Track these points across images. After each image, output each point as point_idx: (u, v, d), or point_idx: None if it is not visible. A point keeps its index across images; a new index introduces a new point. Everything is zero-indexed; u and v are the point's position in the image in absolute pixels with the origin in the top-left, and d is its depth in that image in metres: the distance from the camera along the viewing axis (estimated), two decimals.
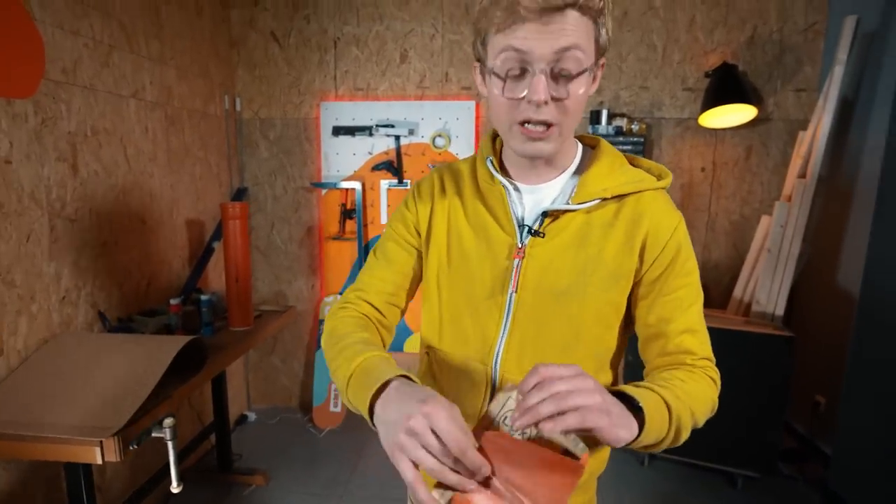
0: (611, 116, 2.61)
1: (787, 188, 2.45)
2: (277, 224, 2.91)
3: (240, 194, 2.79)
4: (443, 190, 0.83)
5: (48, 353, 1.56)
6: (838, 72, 2.26)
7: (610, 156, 0.76)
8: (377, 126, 2.74)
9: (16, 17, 1.48)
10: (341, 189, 2.81)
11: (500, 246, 0.76)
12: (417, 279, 0.87)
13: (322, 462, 2.49)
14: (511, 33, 0.62)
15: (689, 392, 0.66)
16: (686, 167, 2.69)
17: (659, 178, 0.76)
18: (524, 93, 0.63)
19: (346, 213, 2.84)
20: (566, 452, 0.57)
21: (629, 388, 0.61)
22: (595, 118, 2.60)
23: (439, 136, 2.73)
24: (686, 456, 2.34)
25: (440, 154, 2.74)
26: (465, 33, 2.66)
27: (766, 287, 2.40)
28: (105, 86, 1.83)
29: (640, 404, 0.59)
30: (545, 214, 0.74)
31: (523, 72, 0.63)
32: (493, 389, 0.76)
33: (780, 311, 2.37)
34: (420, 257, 0.85)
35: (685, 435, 0.66)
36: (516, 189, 0.77)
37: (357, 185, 2.77)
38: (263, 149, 2.84)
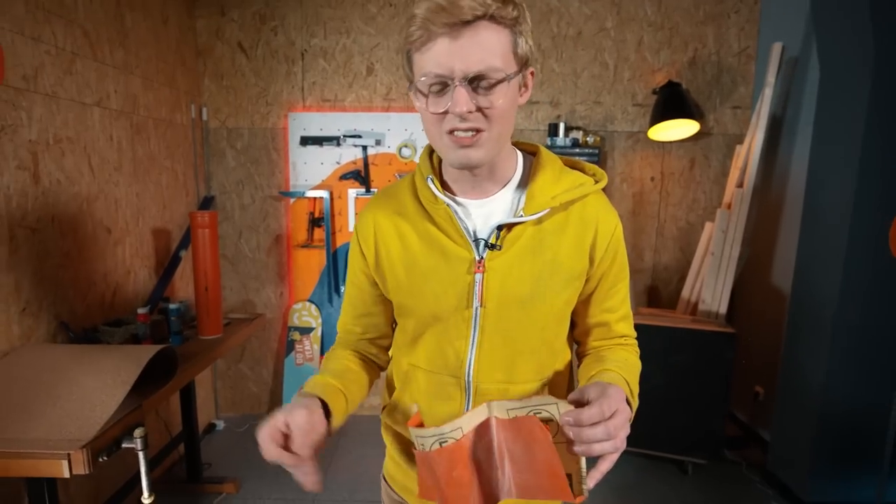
0: (567, 129, 2.70)
1: (727, 197, 2.59)
2: (245, 233, 2.84)
3: (206, 203, 2.72)
4: (385, 222, 0.80)
5: (8, 365, 1.47)
6: (768, 92, 2.43)
7: (551, 163, 0.76)
8: (345, 136, 2.74)
9: None
10: (309, 198, 2.78)
11: (458, 262, 0.74)
12: (391, 305, 0.86)
13: None
14: (428, 51, 0.62)
15: (633, 369, 0.77)
16: (637, 177, 2.80)
17: (595, 178, 0.78)
18: (447, 106, 0.63)
19: (315, 222, 2.81)
20: (569, 476, 0.62)
21: (626, 392, 0.67)
22: (553, 130, 2.68)
23: (405, 146, 2.75)
24: (640, 447, 2.42)
25: (406, 164, 2.76)
26: None
27: (711, 287, 2.53)
28: (68, 94, 1.75)
29: (631, 408, 0.67)
30: (499, 227, 0.73)
31: (444, 87, 0.63)
32: (469, 399, 0.77)
33: (723, 310, 2.50)
34: (378, 293, 0.86)
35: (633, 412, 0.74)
36: (461, 206, 0.76)
37: (325, 194, 2.75)
38: (231, 158, 2.78)
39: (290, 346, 2.85)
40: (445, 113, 0.64)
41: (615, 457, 0.59)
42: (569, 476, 0.61)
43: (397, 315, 0.84)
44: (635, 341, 0.85)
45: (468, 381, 0.76)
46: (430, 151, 0.80)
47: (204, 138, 2.71)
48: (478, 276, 0.73)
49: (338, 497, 2.21)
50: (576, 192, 0.74)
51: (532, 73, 0.70)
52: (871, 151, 1.92)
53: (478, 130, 0.64)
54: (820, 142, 2.14)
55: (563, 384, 0.84)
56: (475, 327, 0.75)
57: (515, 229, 0.73)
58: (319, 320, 2.86)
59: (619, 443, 0.58)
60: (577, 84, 2.75)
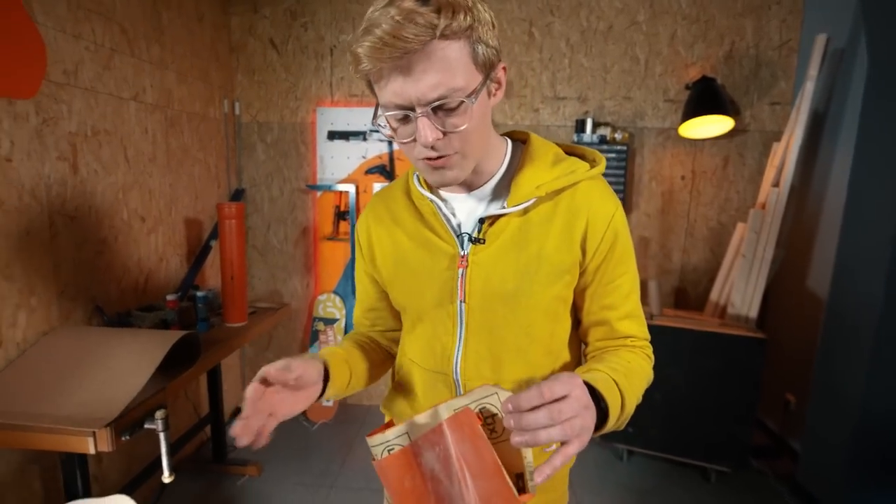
0: (595, 125, 2.63)
1: (762, 196, 2.47)
2: (274, 225, 2.90)
3: (237, 195, 2.79)
4: (378, 223, 0.80)
5: (46, 345, 1.55)
6: (809, 87, 2.29)
7: (541, 151, 0.73)
8: (371, 131, 2.74)
9: (17, 21, 1.47)
10: (336, 191, 2.81)
11: (442, 257, 0.73)
12: None
13: (314, 454, 2.48)
14: (384, 86, 0.59)
15: (636, 377, 0.69)
16: (667, 175, 2.71)
17: (593, 163, 0.73)
18: (414, 135, 0.61)
19: (340, 215, 2.84)
20: (519, 476, 0.56)
21: (601, 387, 0.60)
22: (580, 127, 2.62)
23: None
24: (662, 451, 2.35)
25: None
26: None
27: (741, 290, 2.42)
28: (106, 88, 1.82)
29: (607, 405, 0.60)
30: (482, 221, 0.71)
31: (406, 117, 0.61)
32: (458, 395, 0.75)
33: (753, 314, 2.39)
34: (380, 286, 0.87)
35: (629, 416, 0.67)
36: (444, 200, 0.75)
37: (351, 188, 2.77)
38: (261, 151, 2.84)
39: (314, 336, 2.90)
40: (413, 142, 0.62)
41: (571, 449, 0.50)
42: (519, 476, 0.55)
43: (398, 312, 0.86)
44: (646, 342, 0.76)
45: (456, 378, 0.75)
46: None
47: (236, 132, 2.78)
48: (460, 272, 0.71)
49: (354, 485, 2.24)
50: (564, 180, 0.69)
51: (504, 69, 0.66)
52: None
53: (448, 155, 0.63)
54: (865, 140, 2.00)
55: None
56: (461, 323, 0.73)
57: (500, 222, 0.70)
58: (343, 312, 2.89)
59: (569, 429, 0.49)
60: (607, 79, 2.67)
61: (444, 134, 0.61)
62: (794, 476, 2.29)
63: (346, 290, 2.90)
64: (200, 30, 2.42)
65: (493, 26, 0.61)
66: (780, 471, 2.40)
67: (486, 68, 0.62)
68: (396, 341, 0.92)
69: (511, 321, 0.71)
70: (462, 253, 0.72)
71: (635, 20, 2.60)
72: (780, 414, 2.61)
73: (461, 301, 0.72)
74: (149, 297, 2.09)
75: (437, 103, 0.58)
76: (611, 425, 0.62)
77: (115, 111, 1.87)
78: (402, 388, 0.84)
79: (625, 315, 0.74)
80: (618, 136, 2.61)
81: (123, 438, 1.32)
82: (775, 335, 2.55)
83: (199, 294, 1.97)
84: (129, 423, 1.34)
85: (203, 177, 2.49)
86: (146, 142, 2.05)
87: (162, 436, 1.40)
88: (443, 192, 0.75)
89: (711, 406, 2.23)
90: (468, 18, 0.57)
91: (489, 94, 0.64)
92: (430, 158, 0.63)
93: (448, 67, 0.57)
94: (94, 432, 1.26)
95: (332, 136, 2.77)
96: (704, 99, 2.46)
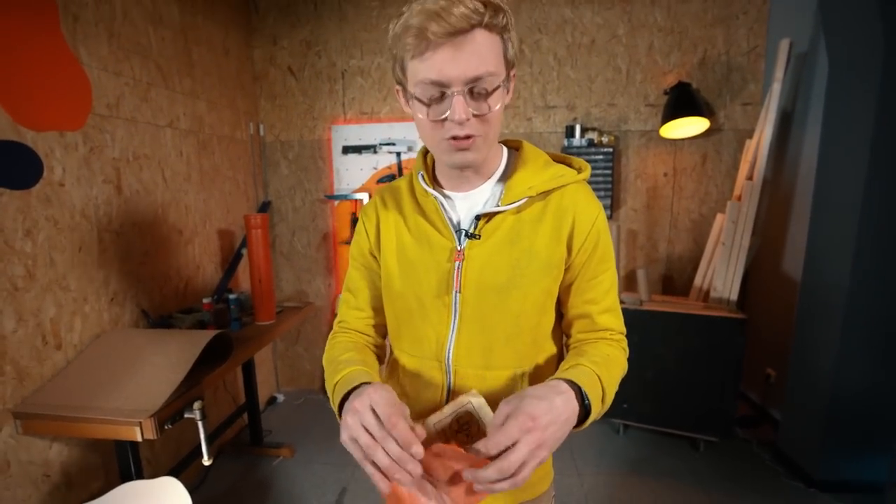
0: (583, 130, 2.61)
1: (738, 189, 2.43)
2: (297, 232, 2.93)
3: (264, 207, 2.82)
4: (385, 209, 0.79)
5: (99, 346, 1.59)
6: (776, 88, 2.25)
7: (532, 156, 0.73)
8: (381, 144, 2.76)
9: (65, 62, 1.51)
10: (351, 200, 2.83)
11: (440, 251, 0.72)
12: None
13: (339, 437, 2.50)
14: (425, 60, 0.58)
15: (614, 367, 0.69)
16: (651, 173, 2.68)
17: (579, 171, 0.73)
18: (446, 114, 0.60)
19: (356, 221, 2.85)
20: None
21: (585, 387, 0.61)
22: (570, 132, 2.60)
23: None
24: (655, 424, 2.34)
25: None
26: None
27: (722, 276, 2.39)
28: (144, 118, 1.86)
29: (590, 404, 0.61)
30: (478, 217, 0.71)
31: (442, 95, 0.60)
32: (450, 383, 0.73)
33: (734, 297, 2.35)
34: (378, 276, 0.82)
35: (607, 407, 0.67)
36: (447, 197, 0.74)
37: (365, 197, 2.79)
38: (284, 167, 2.87)
39: None
40: (444, 120, 0.61)
41: (526, 472, 0.53)
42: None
43: (386, 302, 0.80)
44: (622, 336, 0.76)
45: (448, 365, 0.73)
46: (425, 152, 0.79)
47: (261, 151, 2.81)
48: (457, 264, 0.71)
49: None
50: (554, 182, 0.70)
51: (514, 77, 0.66)
52: (880, 143, 1.75)
53: (474, 136, 0.62)
54: (829, 134, 1.97)
55: (544, 378, 0.78)
56: (455, 313, 0.72)
57: (495, 219, 0.70)
58: None
59: (520, 480, 0.53)
60: (592, 88, 2.65)
61: (475, 116, 0.61)
62: (775, 443, 2.26)
63: None
64: (227, 62, 2.46)
65: (514, 26, 0.63)
66: (762, 438, 2.37)
67: (510, 67, 0.64)
68: (384, 337, 0.88)
69: (502, 311, 0.71)
70: (459, 247, 0.71)
71: (615, 34, 2.58)
72: (761, 386, 2.58)
73: (456, 291, 0.71)
74: (188, 301, 2.13)
75: (474, 84, 0.59)
76: (592, 419, 0.63)
77: (153, 137, 1.91)
78: (391, 381, 0.82)
79: (604, 309, 0.74)
80: (604, 139, 2.60)
81: (167, 427, 1.35)
82: (754, 315, 2.52)
83: (232, 297, 2.00)
84: (170, 413, 1.36)
85: (233, 192, 2.53)
86: (181, 163, 2.09)
87: (200, 424, 1.43)
88: (446, 190, 0.74)
89: (698, 382, 2.21)
90: (505, 19, 0.59)
91: (507, 91, 0.65)
92: (455, 138, 0.62)
93: (487, 54, 0.58)
94: (140, 422, 1.29)
95: (346, 150, 2.79)
96: (681, 102, 2.43)
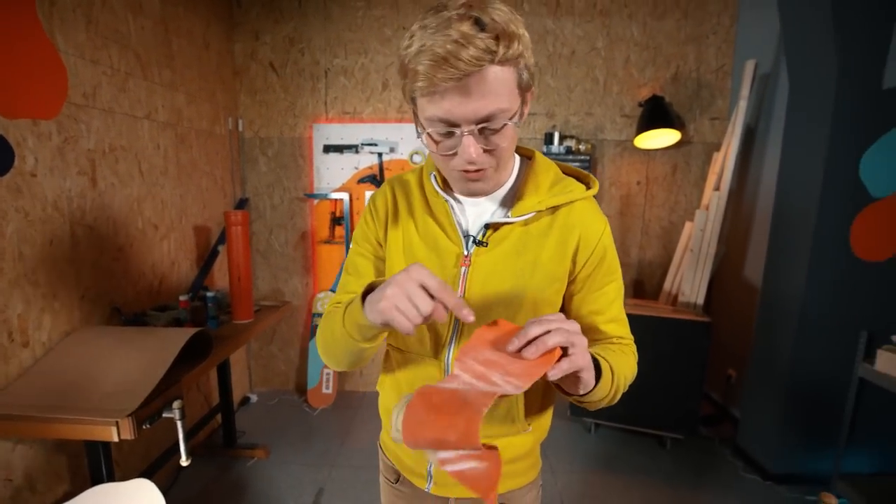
0: (562, 138, 2.69)
1: (706, 199, 2.56)
2: (275, 230, 2.89)
3: (241, 204, 2.77)
4: (395, 204, 0.77)
5: (70, 344, 1.53)
6: (742, 105, 2.39)
7: (544, 168, 0.72)
8: (363, 144, 2.76)
9: (41, 48, 1.45)
10: (331, 199, 2.81)
11: (448, 255, 0.72)
12: None
13: (316, 437, 2.48)
14: (433, 102, 0.57)
15: (624, 363, 0.70)
16: (625, 181, 2.78)
17: (587, 186, 0.74)
18: (455, 150, 0.60)
19: (336, 221, 2.84)
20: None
21: (592, 351, 0.61)
22: (548, 139, 2.67)
23: (416, 153, 2.77)
24: (625, 423, 2.42)
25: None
26: None
27: (690, 281, 2.51)
28: (122, 108, 1.80)
29: (600, 364, 0.62)
30: (487, 226, 0.71)
31: (451, 133, 0.59)
32: None
33: (700, 301, 2.48)
34: (384, 264, 0.80)
35: (619, 396, 0.68)
36: (458, 202, 0.73)
37: (345, 196, 2.78)
38: (262, 164, 2.82)
39: (314, 331, 2.89)
40: (453, 155, 0.61)
41: (577, 359, 0.53)
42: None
43: None
44: (631, 342, 0.76)
45: (447, 364, 0.74)
46: None
47: (240, 147, 2.76)
48: (463, 270, 0.71)
49: (355, 463, 2.25)
50: (563, 198, 0.70)
51: (532, 92, 0.64)
52: (834, 159, 1.89)
53: (484, 168, 0.62)
54: (789, 149, 2.11)
55: (540, 384, 0.74)
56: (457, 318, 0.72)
57: (503, 229, 0.71)
58: None
59: (565, 334, 0.52)
60: (571, 97, 2.73)
61: (485, 151, 0.60)
62: (734, 439, 2.39)
63: None
64: (207, 55, 2.40)
65: (530, 45, 0.59)
66: (723, 435, 2.50)
67: (524, 91, 0.61)
68: None
69: (504, 318, 0.69)
70: (466, 253, 0.71)
71: (595, 46, 2.67)
72: (722, 387, 2.72)
73: (461, 296, 0.71)
74: (163, 298, 2.06)
75: (485, 120, 0.57)
76: (604, 386, 0.62)
77: (130, 129, 1.85)
78: (391, 371, 0.82)
79: (610, 319, 0.74)
80: (582, 147, 2.68)
81: (144, 427, 1.31)
82: (717, 319, 2.65)
83: (210, 294, 1.96)
84: (149, 412, 1.33)
85: (210, 188, 2.47)
86: (158, 157, 2.03)
87: (179, 424, 1.40)
88: (456, 194, 0.73)
89: (666, 382, 2.30)
90: (519, 46, 0.56)
91: (521, 115, 0.63)
92: (467, 171, 0.63)
93: (498, 91, 0.56)
94: (117, 422, 1.25)
95: (328, 149, 2.77)
96: (655, 115, 2.54)
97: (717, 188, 2.49)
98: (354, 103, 2.76)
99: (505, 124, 0.59)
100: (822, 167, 1.90)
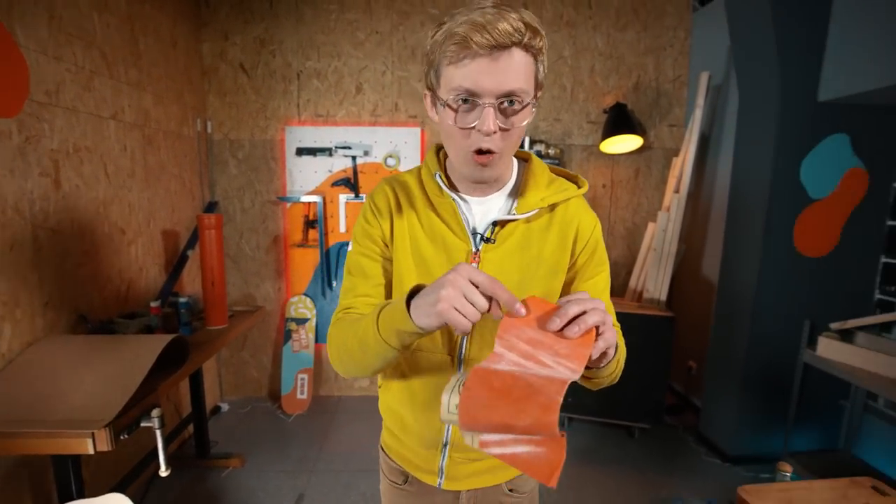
0: (532, 142, 2.77)
1: (666, 201, 2.71)
2: (246, 234, 2.81)
3: (210, 207, 2.68)
4: (398, 203, 0.78)
5: (34, 354, 1.44)
6: (698, 113, 2.55)
7: (540, 170, 0.77)
8: (336, 148, 2.74)
9: (0, 43, 1.37)
10: (304, 202, 2.77)
11: (457, 252, 0.74)
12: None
13: (293, 443, 2.43)
14: (462, 67, 0.60)
15: (620, 342, 0.74)
16: (591, 184, 2.90)
17: (578, 185, 0.78)
18: (475, 123, 0.62)
19: (309, 224, 2.80)
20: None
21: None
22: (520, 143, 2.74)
23: (390, 156, 2.78)
24: (596, 416, 2.52)
25: (391, 172, 2.78)
26: (411, 71, 2.73)
27: (653, 278, 2.64)
28: (87, 108, 1.72)
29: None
30: (494, 223, 0.73)
31: (473, 104, 0.62)
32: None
33: (663, 297, 2.61)
34: (390, 264, 0.80)
35: (619, 373, 0.72)
36: (465, 201, 0.75)
37: (318, 199, 2.75)
38: (233, 167, 2.75)
39: (287, 336, 2.84)
40: (471, 129, 0.62)
41: (609, 335, 0.55)
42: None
43: (395, 294, 0.79)
44: (619, 330, 0.77)
45: (460, 358, 0.76)
46: (438, 149, 0.79)
47: (209, 149, 2.68)
48: (473, 265, 0.73)
49: (335, 467, 2.23)
50: (561, 196, 0.75)
51: (539, 96, 0.67)
52: (780, 163, 2.06)
53: (495, 152, 0.64)
54: (740, 155, 2.27)
55: None
56: None
57: (508, 226, 0.74)
58: (314, 312, 2.85)
59: (601, 314, 0.54)
60: (540, 104, 2.81)
61: (500, 129, 0.62)
62: (696, 427, 2.54)
63: (316, 292, 2.86)
64: (175, 55, 2.32)
65: (547, 48, 0.65)
66: (686, 424, 2.65)
67: (538, 88, 0.65)
68: None
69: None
70: (474, 250, 0.74)
71: (562, 55, 2.77)
72: (684, 378, 2.87)
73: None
74: (130, 306, 1.98)
75: (507, 95, 0.60)
76: (614, 362, 0.66)
77: (96, 129, 1.77)
78: (396, 373, 0.82)
79: None
80: (551, 151, 2.77)
81: (122, 437, 1.26)
82: (679, 314, 2.81)
83: (182, 300, 1.89)
84: (127, 422, 1.28)
85: (179, 191, 2.38)
86: (125, 158, 1.94)
87: (158, 433, 1.35)
88: (462, 193, 0.76)
89: (633, 375, 2.36)
90: (541, 42, 0.62)
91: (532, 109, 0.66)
92: (479, 152, 0.64)
93: (522, 72, 0.61)
94: (92, 433, 1.20)
95: (301, 152, 2.74)
96: (618, 121, 2.66)
97: (676, 191, 2.64)
98: (328, 106, 2.74)
99: (525, 105, 0.62)
100: (769, 172, 2.07)
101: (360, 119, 2.77)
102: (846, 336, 2.02)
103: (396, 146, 2.77)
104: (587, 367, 0.65)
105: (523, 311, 0.55)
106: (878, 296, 2.19)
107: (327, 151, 2.75)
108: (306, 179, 2.78)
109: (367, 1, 2.65)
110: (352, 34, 2.68)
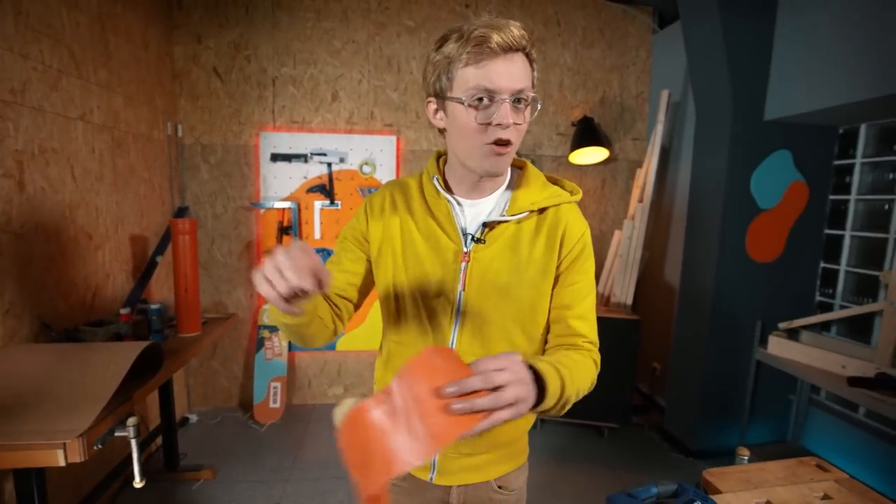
0: None
1: (631, 210, 2.85)
2: (218, 240, 2.75)
3: (181, 213, 2.61)
4: (394, 205, 0.81)
5: None
6: (659, 128, 2.71)
7: (535, 176, 0.80)
8: (312, 154, 2.73)
9: None
10: (278, 209, 2.74)
11: (448, 252, 0.76)
12: (368, 281, 0.85)
13: (266, 453, 2.37)
14: (482, 68, 0.66)
15: (580, 376, 0.70)
16: None
17: (571, 193, 0.81)
18: (493, 118, 0.67)
19: (284, 230, 2.77)
20: None
21: (542, 368, 0.61)
22: None
23: (366, 164, 2.79)
24: (567, 417, 2.58)
25: (366, 179, 2.80)
26: (387, 80, 2.76)
27: (620, 283, 2.76)
28: (53, 108, 1.65)
29: (546, 384, 0.61)
30: (485, 225, 0.76)
31: (491, 101, 0.67)
32: None
33: (629, 301, 2.73)
34: (369, 262, 0.83)
35: (569, 406, 0.68)
36: (458, 203, 0.78)
37: (293, 206, 2.72)
38: (205, 171, 2.68)
39: (259, 343, 2.78)
40: (489, 124, 0.67)
41: (504, 415, 0.53)
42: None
43: (386, 295, 0.82)
44: (593, 347, 0.79)
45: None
46: (438, 156, 0.84)
47: (179, 153, 2.61)
48: (463, 265, 0.76)
49: (311, 475, 2.19)
50: (552, 201, 0.78)
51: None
52: (732, 175, 2.21)
53: (511, 143, 0.69)
54: (697, 166, 2.43)
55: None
56: (458, 308, 0.77)
57: (498, 227, 0.77)
58: None
59: (499, 399, 0.52)
60: None
61: (514, 124, 0.68)
62: (661, 425, 2.65)
63: None
64: (146, 57, 2.26)
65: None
66: (652, 422, 2.76)
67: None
68: (342, 310, 0.82)
69: (501, 309, 0.76)
70: (465, 250, 0.77)
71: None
72: (649, 378, 3.00)
73: (461, 290, 0.76)
74: (96, 313, 1.89)
75: (519, 92, 0.67)
76: (549, 403, 0.61)
77: (63, 130, 1.70)
78: (388, 373, 0.84)
79: (579, 315, 0.78)
80: None
81: (96, 447, 1.21)
82: (643, 317, 2.93)
83: (153, 307, 1.83)
84: (100, 432, 1.23)
85: (148, 195, 2.30)
86: (93, 161, 1.87)
87: (133, 442, 1.31)
88: (457, 196, 0.79)
89: (602, 376, 2.47)
90: (535, 53, 0.70)
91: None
92: (497, 143, 0.68)
93: (526, 74, 0.68)
94: (64, 444, 1.14)
95: (275, 157, 2.71)
96: (586, 134, 2.79)
97: (640, 200, 2.78)
98: (303, 113, 2.73)
99: (530, 103, 0.69)
100: (723, 183, 2.22)
101: (335, 126, 2.77)
102: (792, 335, 2.18)
103: (372, 154, 2.79)
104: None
105: (326, 273, 0.56)
106: (818, 298, 2.37)
107: (303, 158, 2.73)
108: (281, 185, 2.75)
109: (344, 10, 2.68)
110: (328, 42, 2.69)
